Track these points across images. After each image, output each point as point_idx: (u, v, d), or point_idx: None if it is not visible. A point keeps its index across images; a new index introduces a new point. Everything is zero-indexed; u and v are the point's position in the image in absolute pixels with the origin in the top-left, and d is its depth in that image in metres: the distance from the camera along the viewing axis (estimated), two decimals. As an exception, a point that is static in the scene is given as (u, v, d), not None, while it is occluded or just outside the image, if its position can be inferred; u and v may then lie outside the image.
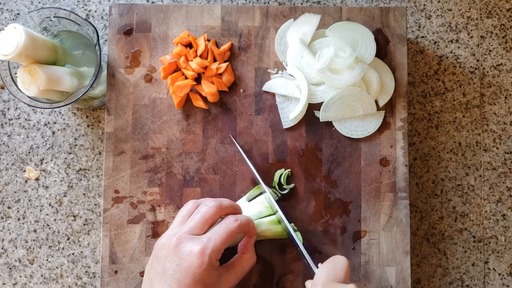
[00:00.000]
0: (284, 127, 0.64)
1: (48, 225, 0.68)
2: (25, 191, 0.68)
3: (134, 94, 0.64)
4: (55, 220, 0.68)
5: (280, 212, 0.58)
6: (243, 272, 0.56)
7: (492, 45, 0.71)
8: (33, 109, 0.69)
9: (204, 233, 0.53)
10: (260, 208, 0.60)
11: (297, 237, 0.58)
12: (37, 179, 0.69)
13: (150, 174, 0.63)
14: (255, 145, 0.63)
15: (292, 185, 0.62)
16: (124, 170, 0.63)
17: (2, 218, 0.68)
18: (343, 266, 0.51)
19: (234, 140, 0.63)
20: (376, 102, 0.64)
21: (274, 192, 0.62)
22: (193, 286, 0.50)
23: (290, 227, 0.58)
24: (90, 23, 0.58)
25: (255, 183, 0.63)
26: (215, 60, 0.64)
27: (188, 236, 0.52)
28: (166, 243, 0.53)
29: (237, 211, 0.57)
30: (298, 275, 0.62)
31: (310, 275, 0.56)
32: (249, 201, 0.61)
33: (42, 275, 0.67)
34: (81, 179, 0.68)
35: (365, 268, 0.62)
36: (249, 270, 0.57)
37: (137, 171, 0.63)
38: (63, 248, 0.68)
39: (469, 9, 0.72)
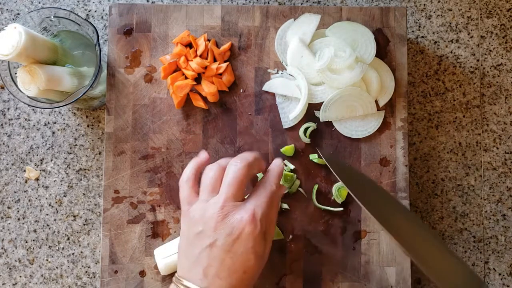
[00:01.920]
0: (284, 127, 0.64)
1: (48, 225, 0.68)
2: (25, 191, 0.68)
3: (134, 94, 0.64)
4: (55, 220, 0.68)
5: None
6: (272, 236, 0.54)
7: (492, 45, 0.71)
8: (33, 109, 0.69)
9: (243, 197, 0.51)
10: None
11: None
12: (37, 179, 0.69)
13: (150, 174, 0.63)
14: (255, 145, 0.63)
15: (289, 189, 0.62)
16: (124, 170, 0.63)
17: (2, 218, 0.68)
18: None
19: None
20: (376, 102, 0.64)
21: None
22: (245, 255, 0.48)
23: None
24: (90, 23, 0.58)
25: (254, 184, 0.63)
26: (215, 60, 0.64)
27: (233, 203, 0.50)
28: (208, 216, 0.49)
29: (262, 165, 0.54)
30: (298, 275, 0.62)
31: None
32: None
33: (42, 275, 0.67)
34: (81, 179, 0.68)
35: (365, 268, 0.62)
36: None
37: (137, 171, 0.63)
38: (63, 248, 0.68)
39: (469, 9, 0.72)
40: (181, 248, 0.52)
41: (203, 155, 0.56)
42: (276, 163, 0.55)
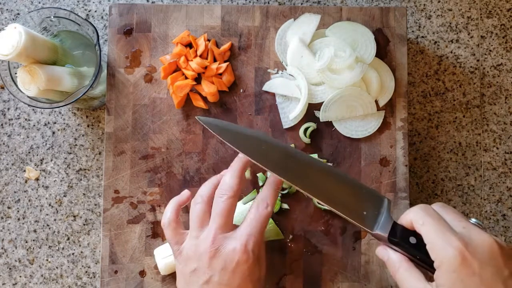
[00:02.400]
0: (284, 127, 0.64)
1: (48, 225, 0.68)
2: (25, 191, 0.68)
3: (134, 94, 0.64)
4: (55, 220, 0.68)
5: None
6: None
7: (492, 45, 0.71)
8: (33, 109, 0.69)
9: (233, 226, 0.51)
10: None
11: None
12: (37, 179, 0.69)
13: (150, 174, 0.63)
14: (255, 145, 0.63)
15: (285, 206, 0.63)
16: (124, 170, 0.63)
17: (2, 218, 0.68)
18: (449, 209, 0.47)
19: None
20: (376, 102, 0.64)
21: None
22: (243, 285, 0.48)
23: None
24: (90, 23, 0.58)
25: (254, 184, 0.63)
26: (215, 60, 0.64)
27: (223, 235, 0.49)
28: (200, 252, 0.49)
29: (241, 181, 0.52)
30: (298, 275, 0.62)
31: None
32: (244, 204, 0.61)
33: (42, 275, 0.67)
34: (81, 179, 0.68)
35: (365, 268, 0.62)
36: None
37: (137, 171, 0.63)
38: (63, 248, 0.68)
39: (469, 9, 0.72)
40: (179, 286, 0.52)
41: (185, 194, 0.57)
42: (272, 180, 0.53)
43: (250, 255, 0.48)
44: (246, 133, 0.52)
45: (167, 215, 0.54)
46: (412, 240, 0.46)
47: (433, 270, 0.44)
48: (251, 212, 0.51)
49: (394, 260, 0.46)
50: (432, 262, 0.43)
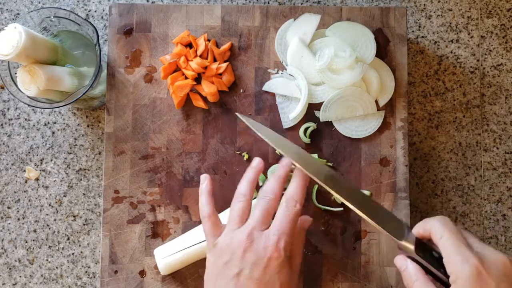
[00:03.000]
0: (284, 127, 0.64)
1: (48, 225, 0.68)
2: (25, 191, 0.68)
3: (134, 94, 0.64)
4: (55, 220, 0.68)
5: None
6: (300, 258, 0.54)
7: (492, 45, 0.71)
8: (33, 109, 0.69)
9: (269, 224, 0.51)
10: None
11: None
12: (37, 179, 0.69)
13: (150, 174, 0.63)
14: (255, 145, 0.63)
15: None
16: (124, 170, 0.63)
17: (2, 218, 0.68)
18: (450, 223, 0.48)
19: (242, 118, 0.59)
20: (376, 102, 0.64)
21: None
22: (271, 283, 0.49)
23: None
24: (90, 23, 0.58)
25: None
26: (215, 60, 0.64)
27: (258, 232, 0.50)
28: (235, 245, 0.50)
29: (282, 186, 0.53)
30: (299, 275, 0.61)
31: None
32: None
33: (42, 275, 0.67)
34: (81, 179, 0.68)
35: (365, 268, 0.62)
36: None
37: (137, 171, 0.63)
38: (63, 248, 0.68)
39: (470, 9, 0.72)
40: (206, 281, 0.52)
41: (208, 181, 0.56)
42: (299, 175, 0.53)
43: (282, 253, 0.49)
44: (286, 141, 0.56)
45: (205, 208, 0.54)
46: (435, 254, 0.47)
47: (448, 286, 0.45)
48: (280, 211, 0.51)
49: (411, 271, 0.48)
50: (448, 277, 0.45)
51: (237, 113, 0.56)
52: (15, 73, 0.58)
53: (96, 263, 0.68)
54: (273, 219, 0.52)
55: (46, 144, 0.69)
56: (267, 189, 0.53)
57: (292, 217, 0.51)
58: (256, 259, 0.49)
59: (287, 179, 0.54)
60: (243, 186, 0.54)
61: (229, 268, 0.50)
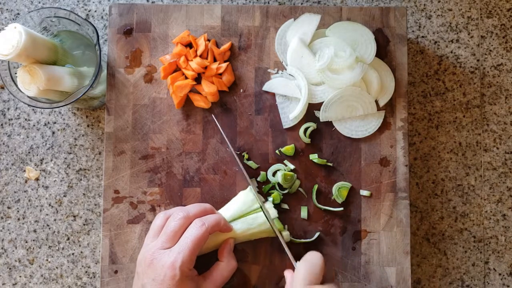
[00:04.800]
0: (284, 127, 0.64)
1: (48, 225, 0.68)
2: (25, 191, 0.68)
3: (134, 94, 0.64)
4: (55, 220, 0.68)
5: (263, 206, 0.59)
6: (223, 279, 0.56)
7: (492, 45, 0.71)
8: (33, 109, 0.69)
9: (176, 243, 0.54)
10: (244, 207, 0.60)
11: (278, 231, 0.58)
12: (37, 179, 0.69)
13: (150, 174, 0.63)
14: (255, 145, 0.63)
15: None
16: (124, 170, 0.63)
17: (2, 218, 0.68)
18: (319, 264, 0.52)
19: (228, 142, 0.63)
20: (376, 102, 0.64)
21: (277, 192, 0.62)
22: None
23: (273, 221, 0.58)
24: (90, 23, 0.58)
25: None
26: (215, 60, 0.64)
27: (160, 251, 0.53)
28: (142, 260, 0.54)
29: (209, 213, 0.57)
30: None
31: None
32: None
33: (42, 275, 0.67)
34: (81, 179, 0.68)
35: (365, 268, 0.62)
36: (229, 277, 0.57)
37: (137, 171, 0.63)
38: (63, 248, 0.68)
39: (470, 9, 0.72)
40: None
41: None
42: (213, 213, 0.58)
43: (177, 273, 0.51)
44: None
45: (193, 211, 0.57)
46: None
47: None
48: (187, 231, 0.54)
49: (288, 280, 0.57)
50: None
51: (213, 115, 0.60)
52: (15, 73, 0.58)
53: (96, 263, 0.67)
54: None
55: (46, 144, 0.69)
56: (182, 208, 0.56)
57: (197, 239, 0.53)
58: (154, 276, 0.52)
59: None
60: (174, 209, 0.58)
61: (138, 279, 0.55)
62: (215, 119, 0.61)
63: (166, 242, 0.54)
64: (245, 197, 0.60)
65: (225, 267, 0.57)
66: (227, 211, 0.59)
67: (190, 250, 0.52)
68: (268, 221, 0.58)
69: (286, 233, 0.60)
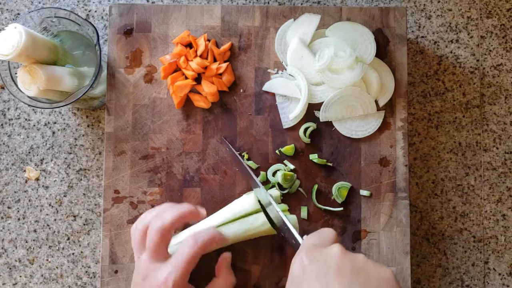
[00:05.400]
0: (284, 127, 0.64)
1: (48, 225, 0.68)
2: (25, 191, 0.68)
3: (134, 94, 0.64)
4: (55, 220, 0.68)
5: (271, 200, 0.57)
6: None
7: (492, 45, 0.71)
8: (33, 109, 0.69)
9: (167, 253, 0.53)
10: (244, 207, 0.59)
11: (286, 217, 0.56)
12: (37, 179, 0.69)
13: (150, 174, 0.63)
14: (255, 145, 0.63)
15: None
16: (124, 170, 0.63)
17: (2, 218, 0.68)
18: (330, 236, 0.49)
19: (226, 141, 0.63)
20: (376, 102, 0.64)
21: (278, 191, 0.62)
22: None
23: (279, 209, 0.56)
24: (90, 23, 0.58)
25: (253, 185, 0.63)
26: (215, 60, 0.64)
27: (152, 265, 0.52)
28: (136, 271, 0.54)
29: (189, 218, 0.55)
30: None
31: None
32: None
33: (42, 275, 0.67)
34: (81, 179, 0.68)
35: (365, 268, 0.62)
36: None
37: (137, 171, 0.63)
38: (63, 248, 0.68)
39: (469, 9, 0.72)
40: None
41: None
42: (213, 230, 0.56)
43: None
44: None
45: (170, 219, 0.54)
46: None
47: None
48: (179, 250, 0.53)
49: None
50: None
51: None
52: (15, 73, 0.58)
53: (96, 263, 0.68)
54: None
55: (46, 144, 0.69)
56: (157, 215, 0.54)
57: (187, 259, 0.52)
58: None
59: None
60: (143, 219, 0.56)
61: None
62: (226, 142, 0.62)
63: (154, 257, 0.53)
64: (248, 202, 0.59)
65: (223, 283, 0.56)
66: (228, 213, 0.59)
67: (183, 269, 0.51)
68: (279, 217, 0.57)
69: (292, 217, 0.58)
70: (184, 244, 0.53)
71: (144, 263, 0.53)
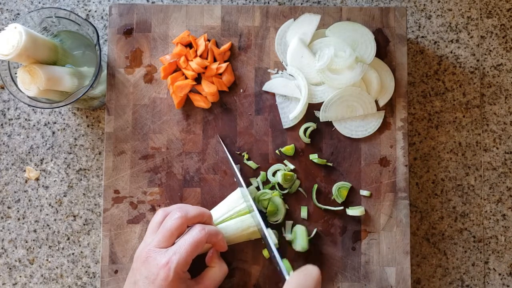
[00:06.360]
0: (284, 127, 0.64)
1: (48, 225, 0.68)
2: (25, 191, 0.68)
3: (134, 94, 0.64)
4: (55, 220, 0.68)
5: (255, 210, 0.58)
6: (214, 284, 0.56)
7: (492, 45, 0.71)
8: (33, 109, 0.69)
9: (173, 244, 0.54)
10: (234, 207, 0.60)
11: (271, 238, 0.57)
12: (37, 179, 0.69)
13: (150, 174, 0.63)
14: (255, 145, 0.63)
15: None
16: (124, 170, 0.63)
17: (2, 218, 0.68)
18: (314, 277, 0.49)
19: (221, 141, 0.63)
20: (376, 102, 0.64)
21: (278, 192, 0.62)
22: None
23: (264, 226, 0.57)
24: (90, 23, 0.58)
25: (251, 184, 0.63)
26: (215, 60, 0.64)
27: (156, 249, 0.53)
28: (138, 256, 0.54)
29: (206, 218, 0.57)
30: None
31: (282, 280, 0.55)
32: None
33: (42, 275, 0.67)
34: (81, 179, 0.68)
35: (365, 268, 0.62)
36: (221, 282, 0.57)
37: (137, 171, 0.63)
38: (63, 248, 0.68)
39: (469, 9, 0.72)
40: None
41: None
42: (209, 221, 0.57)
43: (171, 274, 0.51)
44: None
45: (191, 213, 0.56)
46: None
47: None
48: (187, 233, 0.54)
49: None
50: None
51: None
52: (15, 73, 0.58)
53: (96, 263, 0.68)
54: None
55: (46, 144, 0.69)
56: (181, 207, 0.56)
57: (194, 243, 0.53)
58: (147, 274, 0.52)
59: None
60: (173, 206, 0.58)
61: (133, 275, 0.54)
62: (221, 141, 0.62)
63: (162, 241, 0.53)
64: (236, 196, 0.60)
65: (217, 272, 0.56)
66: (220, 208, 0.60)
67: (187, 252, 0.52)
68: (261, 223, 0.57)
69: (273, 237, 0.58)
70: (193, 229, 0.54)
71: (148, 246, 0.53)
